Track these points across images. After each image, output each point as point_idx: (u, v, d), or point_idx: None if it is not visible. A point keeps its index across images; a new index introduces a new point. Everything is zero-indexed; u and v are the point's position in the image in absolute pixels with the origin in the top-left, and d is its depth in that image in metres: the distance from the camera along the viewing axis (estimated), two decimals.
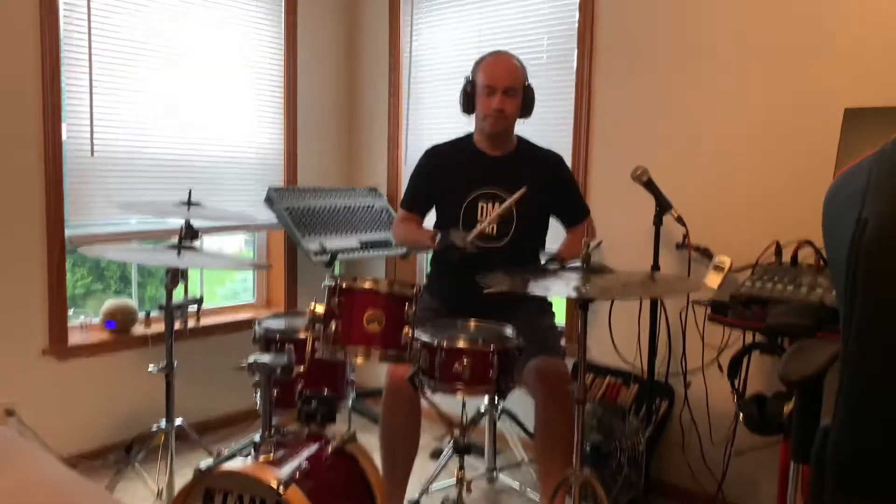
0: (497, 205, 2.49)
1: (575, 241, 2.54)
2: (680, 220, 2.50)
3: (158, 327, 2.75)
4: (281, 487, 1.71)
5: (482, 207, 2.50)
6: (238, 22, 3.45)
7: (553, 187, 2.58)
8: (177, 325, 2.50)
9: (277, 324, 2.37)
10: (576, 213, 2.66)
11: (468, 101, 2.53)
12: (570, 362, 2.86)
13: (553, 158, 2.63)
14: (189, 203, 2.54)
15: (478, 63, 2.52)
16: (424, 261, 3.73)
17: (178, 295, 2.48)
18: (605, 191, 3.03)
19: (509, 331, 2.16)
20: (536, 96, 2.56)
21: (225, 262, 2.80)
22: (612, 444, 2.68)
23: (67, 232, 2.91)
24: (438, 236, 2.40)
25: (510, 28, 3.29)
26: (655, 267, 2.53)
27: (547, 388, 2.31)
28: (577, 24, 3.06)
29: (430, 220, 2.70)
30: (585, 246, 1.97)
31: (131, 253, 2.67)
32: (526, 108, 2.52)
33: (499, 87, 2.44)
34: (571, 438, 2.04)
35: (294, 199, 3.43)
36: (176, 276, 2.42)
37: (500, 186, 2.50)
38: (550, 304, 2.63)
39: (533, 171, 2.55)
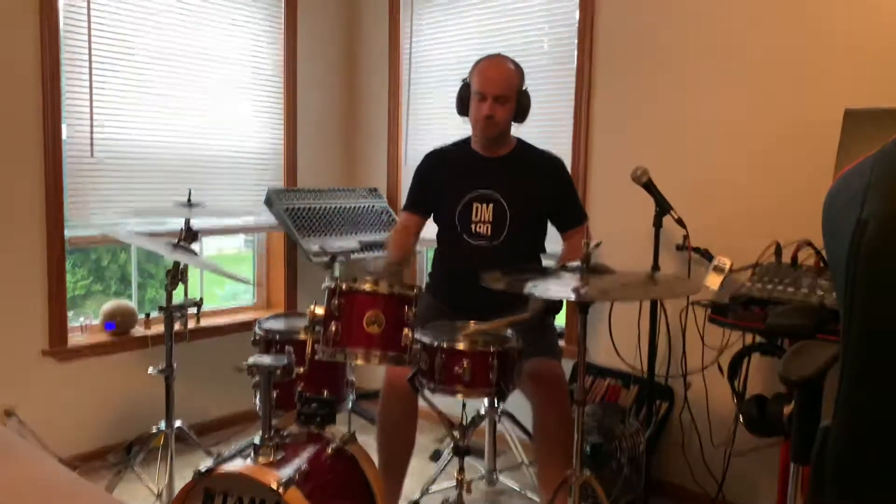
0: (491, 206, 2.48)
1: (573, 250, 2.52)
2: (680, 221, 2.50)
3: (158, 329, 2.75)
4: (281, 489, 1.71)
5: (476, 208, 2.50)
6: (238, 22, 3.44)
7: (549, 189, 2.57)
8: (176, 327, 2.50)
9: (277, 325, 2.37)
10: (572, 218, 2.62)
11: (462, 105, 2.52)
12: (570, 364, 2.86)
13: (550, 160, 2.61)
14: (189, 204, 2.54)
15: (474, 66, 2.51)
16: (425, 261, 3.73)
17: (177, 296, 2.48)
18: (604, 192, 3.03)
19: (509, 333, 2.15)
20: (537, 96, 2.55)
21: (219, 271, 2.78)
22: (612, 445, 2.68)
23: (67, 232, 2.91)
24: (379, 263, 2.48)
25: (510, 28, 3.29)
26: (655, 268, 2.53)
27: (542, 391, 2.30)
28: (577, 24, 3.06)
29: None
30: (585, 246, 1.97)
31: (133, 238, 2.65)
32: (520, 114, 2.50)
33: (489, 94, 2.42)
34: (569, 440, 2.04)
35: (294, 199, 3.43)
36: (175, 277, 2.42)
37: (493, 186, 2.50)
38: None
39: (529, 172, 2.55)
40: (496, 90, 2.42)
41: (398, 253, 2.59)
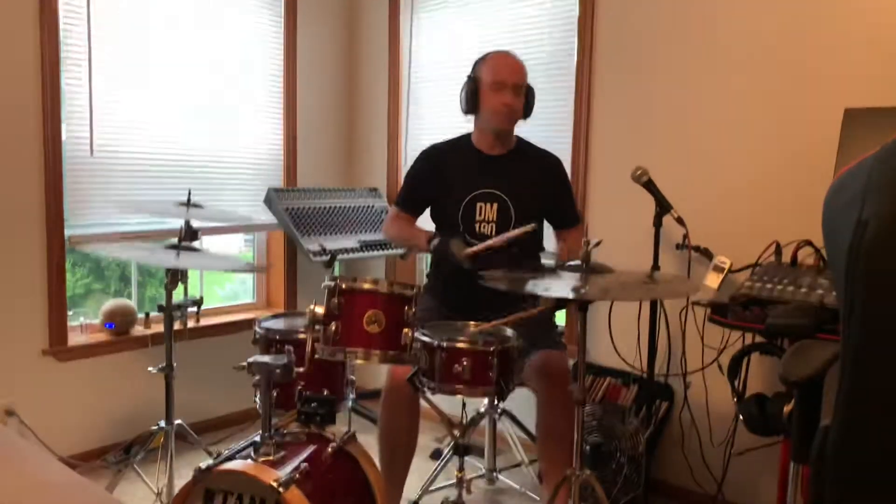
0: (496, 205, 2.48)
1: (571, 248, 2.53)
2: (680, 220, 2.50)
3: (158, 328, 2.75)
4: (281, 488, 1.71)
5: (480, 207, 2.50)
6: (238, 22, 3.44)
7: (550, 187, 2.58)
8: (176, 326, 2.50)
9: (277, 324, 2.37)
10: (568, 218, 2.65)
11: (472, 100, 2.49)
12: (570, 363, 2.86)
13: (551, 159, 2.63)
14: (189, 203, 2.53)
15: (481, 61, 2.51)
16: (424, 261, 3.73)
17: (177, 295, 2.48)
18: (605, 191, 3.03)
19: (509, 331, 2.16)
20: (536, 96, 2.56)
21: (224, 263, 2.80)
22: (612, 445, 2.68)
23: (67, 232, 2.91)
24: (436, 241, 2.38)
25: (510, 28, 3.29)
26: (655, 268, 2.53)
27: (549, 383, 2.30)
28: (577, 25, 3.06)
29: (423, 219, 2.69)
30: (585, 245, 1.97)
31: (130, 251, 2.66)
32: (527, 108, 2.53)
33: (509, 83, 2.44)
34: (573, 431, 2.04)
35: (294, 199, 3.43)
36: (175, 276, 2.42)
37: (498, 186, 2.50)
38: None
39: (531, 171, 2.56)
40: (515, 79, 2.45)
41: (419, 231, 2.56)
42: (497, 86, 2.44)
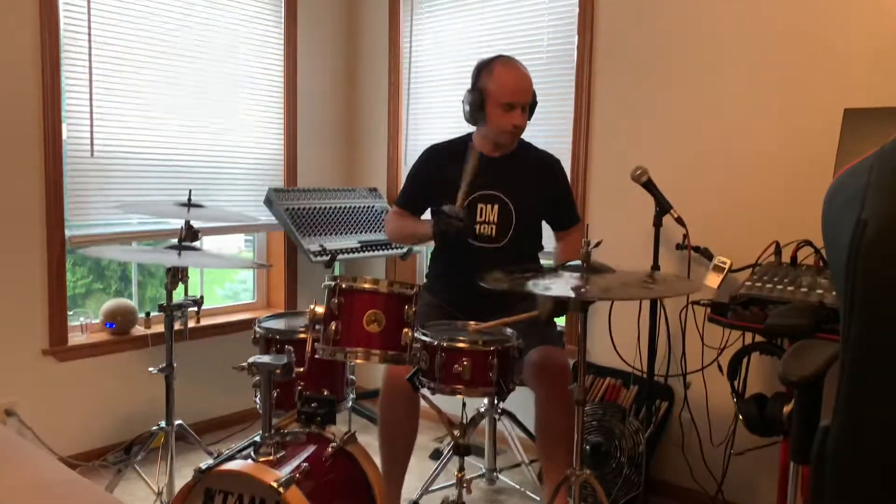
0: (496, 206, 2.48)
1: (570, 248, 2.54)
2: (680, 220, 2.50)
3: (158, 328, 2.75)
4: (281, 488, 1.71)
5: (481, 208, 2.50)
6: (238, 22, 3.45)
7: (550, 189, 2.58)
8: (177, 326, 2.50)
9: (277, 324, 2.37)
10: (568, 218, 2.65)
11: (478, 113, 2.45)
12: (570, 363, 2.86)
13: (551, 160, 2.63)
14: (189, 204, 2.54)
15: (486, 72, 2.45)
16: (424, 261, 3.73)
17: (178, 295, 2.48)
18: (604, 191, 3.03)
19: (509, 331, 2.16)
20: (537, 96, 2.56)
21: (226, 261, 2.80)
22: (612, 444, 2.68)
23: (67, 232, 2.91)
24: (434, 216, 2.39)
25: (510, 28, 3.29)
26: (656, 267, 2.53)
27: (548, 380, 2.30)
28: (577, 25, 3.06)
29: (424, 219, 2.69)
30: (585, 245, 1.97)
31: (130, 253, 2.67)
32: (530, 114, 2.53)
33: (519, 103, 2.42)
34: (572, 429, 2.04)
35: (294, 199, 3.43)
36: (176, 276, 2.42)
37: (499, 187, 2.50)
38: None
39: (531, 172, 2.56)
40: (526, 99, 2.44)
41: (420, 222, 2.57)
42: (507, 107, 2.41)
